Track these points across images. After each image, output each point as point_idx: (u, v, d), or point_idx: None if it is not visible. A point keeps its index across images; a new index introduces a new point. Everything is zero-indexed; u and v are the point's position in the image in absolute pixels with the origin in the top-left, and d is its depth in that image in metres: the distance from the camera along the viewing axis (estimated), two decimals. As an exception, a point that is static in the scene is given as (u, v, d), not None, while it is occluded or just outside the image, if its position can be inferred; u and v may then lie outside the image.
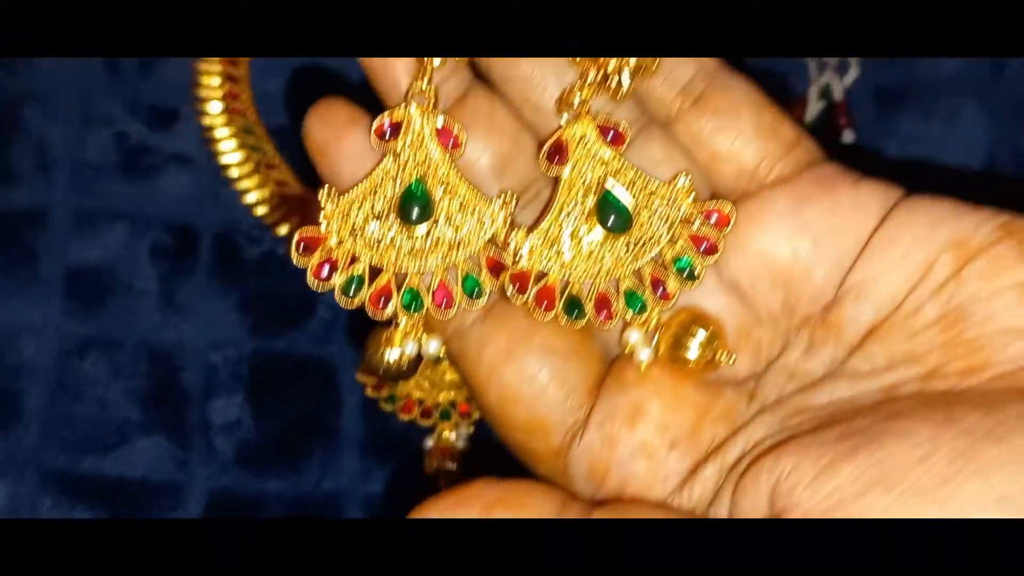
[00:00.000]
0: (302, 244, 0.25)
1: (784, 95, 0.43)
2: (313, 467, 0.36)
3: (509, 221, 0.25)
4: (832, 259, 0.25)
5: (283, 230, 0.38)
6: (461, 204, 0.25)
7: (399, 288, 0.25)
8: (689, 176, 0.25)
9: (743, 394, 0.25)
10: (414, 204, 0.25)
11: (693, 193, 0.25)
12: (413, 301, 0.25)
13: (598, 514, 0.24)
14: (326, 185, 0.25)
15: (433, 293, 0.25)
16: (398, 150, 0.25)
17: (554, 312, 0.25)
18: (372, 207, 0.25)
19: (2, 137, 0.39)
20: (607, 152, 0.25)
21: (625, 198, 0.25)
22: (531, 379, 0.25)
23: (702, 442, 0.25)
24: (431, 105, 0.25)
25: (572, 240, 0.25)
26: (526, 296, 0.25)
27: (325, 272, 0.25)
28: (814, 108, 0.43)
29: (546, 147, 0.25)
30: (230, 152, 0.39)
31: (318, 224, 0.25)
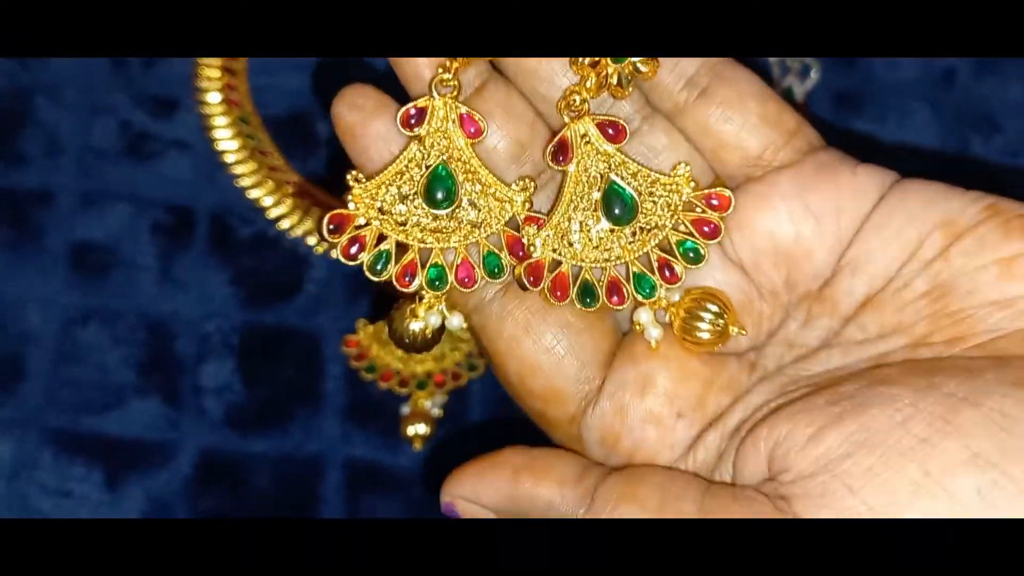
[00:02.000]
0: (331, 224, 0.26)
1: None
2: (297, 430, 0.36)
3: (528, 204, 0.26)
4: (832, 238, 0.26)
5: (273, 213, 0.40)
6: (482, 187, 0.26)
7: (423, 265, 0.26)
8: (687, 164, 0.26)
9: (745, 365, 0.26)
10: (439, 187, 0.25)
11: (692, 181, 0.26)
12: (438, 277, 0.26)
13: (613, 478, 0.25)
14: (353, 170, 0.26)
15: (456, 270, 0.26)
16: (423, 135, 0.25)
17: (568, 299, 0.25)
18: (399, 189, 0.26)
19: (14, 124, 0.40)
20: (608, 147, 0.26)
21: (628, 189, 0.26)
22: (548, 351, 0.26)
23: (707, 411, 0.26)
24: (454, 94, 0.25)
25: (581, 231, 0.26)
26: (541, 286, 0.25)
27: (354, 250, 0.26)
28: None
29: (551, 146, 0.26)
30: (226, 139, 0.40)
31: (344, 205, 0.26)
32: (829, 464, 0.22)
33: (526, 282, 0.26)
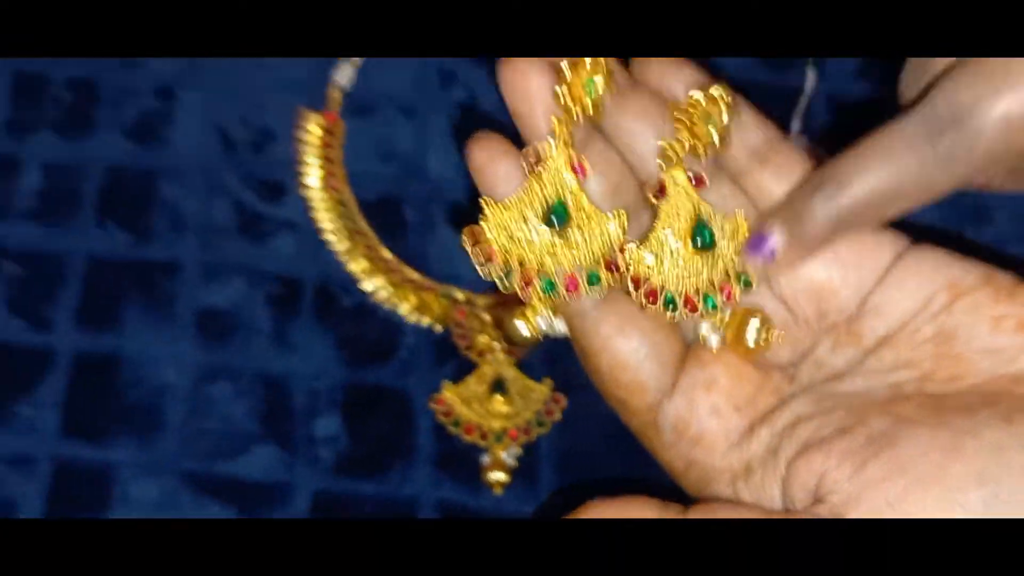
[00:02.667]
0: (470, 238, 0.33)
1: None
2: (395, 475, 0.42)
3: (622, 230, 0.33)
4: (855, 283, 0.32)
5: (368, 286, 0.46)
6: (587, 217, 0.33)
7: (538, 276, 0.33)
8: (744, 212, 0.34)
9: (785, 377, 0.33)
10: (557, 216, 0.33)
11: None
12: (550, 287, 0.33)
13: (692, 510, 0.32)
14: (486, 197, 0.33)
15: (566, 282, 0.33)
16: (541, 174, 0.33)
17: (657, 305, 0.33)
18: (522, 215, 0.33)
19: (143, 203, 0.46)
20: (692, 192, 0.34)
21: (709, 226, 0.34)
22: (636, 351, 0.33)
23: (758, 408, 0.32)
24: (568, 143, 0.33)
25: (671, 256, 0.33)
26: (639, 293, 0.33)
27: (483, 260, 0.33)
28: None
29: (653, 185, 0.34)
30: (327, 221, 0.46)
31: (480, 228, 0.33)
32: (871, 485, 0.29)
33: (630, 287, 0.33)
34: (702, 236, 0.33)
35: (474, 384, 0.43)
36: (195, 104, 0.48)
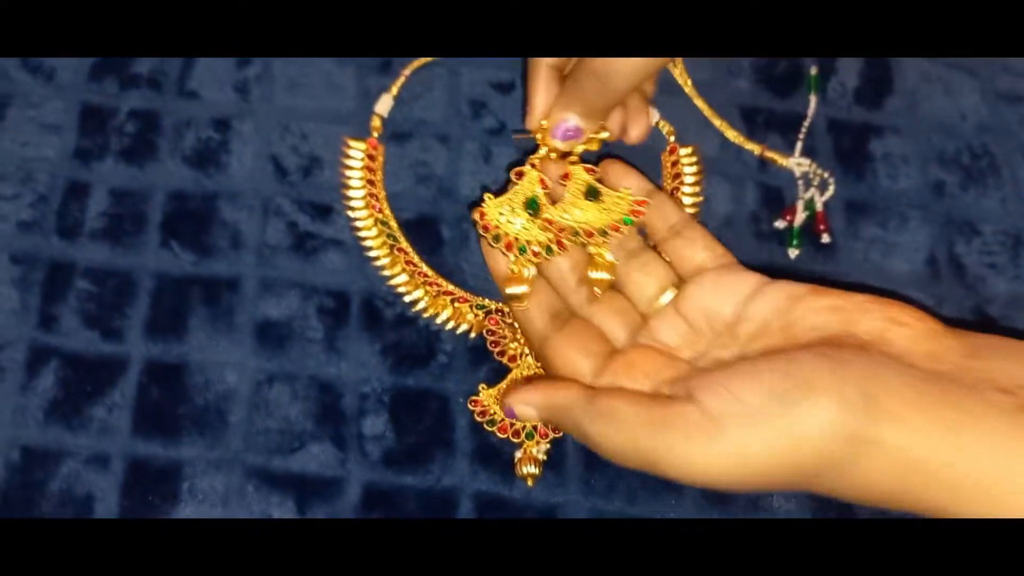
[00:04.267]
0: (479, 214, 0.45)
1: (779, 206, 0.52)
2: (436, 468, 0.45)
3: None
4: (732, 304, 0.43)
5: (409, 298, 0.50)
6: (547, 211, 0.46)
7: (515, 242, 0.45)
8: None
9: (687, 365, 0.42)
10: (531, 207, 0.45)
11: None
12: (523, 251, 0.45)
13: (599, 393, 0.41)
14: (487, 195, 0.45)
15: (531, 249, 0.45)
16: (523, 183, 0.47)
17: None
18: (510, 205, 0.45)
19: (204, 224, 0.50)
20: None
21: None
22: (579, 360, 0.43)
23: (662, 376, 0.42)
24: (539, 169, 0.47)
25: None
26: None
27: (484, 230, 0.45)
28: (801, 216, 0.51)
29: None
30: (371, 238, 0.50)
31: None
32: (716, 379, 0.38)
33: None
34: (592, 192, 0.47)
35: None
36: (249, 134, 0.52)
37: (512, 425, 0.47)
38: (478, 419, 0.46)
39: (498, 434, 0.46)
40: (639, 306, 0.46)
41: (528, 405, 0.42)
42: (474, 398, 0.47)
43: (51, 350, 0.48)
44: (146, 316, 0.48)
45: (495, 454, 0.47)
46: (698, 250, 0.45)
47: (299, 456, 0.46)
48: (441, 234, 0.50)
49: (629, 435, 0.38)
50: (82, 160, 0.52)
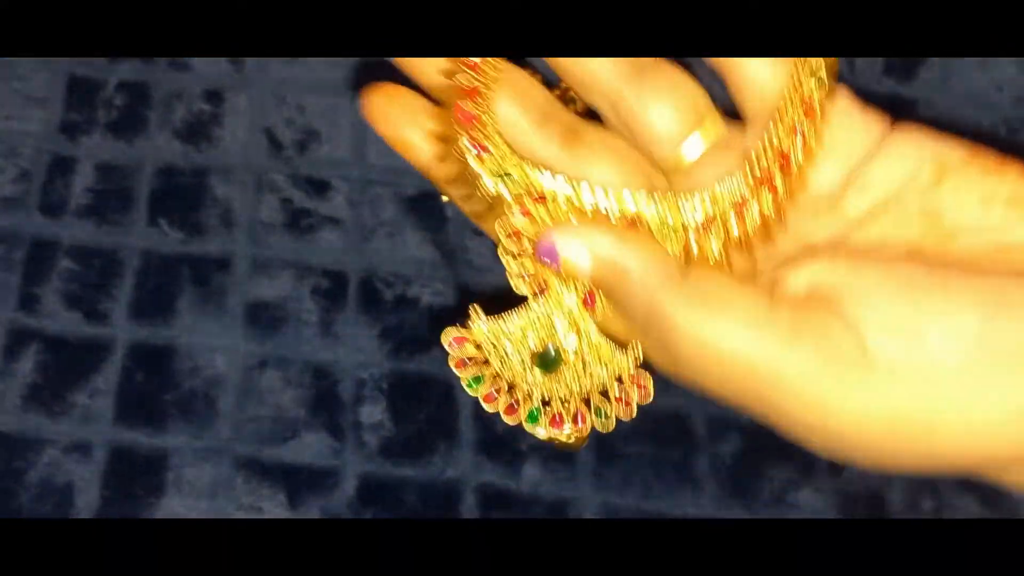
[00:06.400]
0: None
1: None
2: (438, 460, 0.43)
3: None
4: (837, 161, 0.30)
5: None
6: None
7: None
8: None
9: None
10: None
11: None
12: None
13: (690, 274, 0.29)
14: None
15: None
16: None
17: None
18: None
19: (194, 201, 0.47)
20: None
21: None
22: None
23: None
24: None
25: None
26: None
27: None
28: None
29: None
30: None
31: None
32: (863, 282, 0.27)
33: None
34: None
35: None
36: (242, 106, 0.50)
37: (515, 402, 0.37)
38: (457, 370, 0.36)
39: (484, 404, 0.35)
40: (658, 150, 0.32)
41: (587, 246, 0.29)
42: (458, 333, 0.35)
43: (32, 332, 0.45)
44: (132, 297, 0.46)
45: (501, 445, 0.44)
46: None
47: (292, 446, 0.44)
48: (444, 211, 0.48)
49: (743, 336, 0.26)
50: (68, 134, 0.49)
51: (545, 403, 0.34)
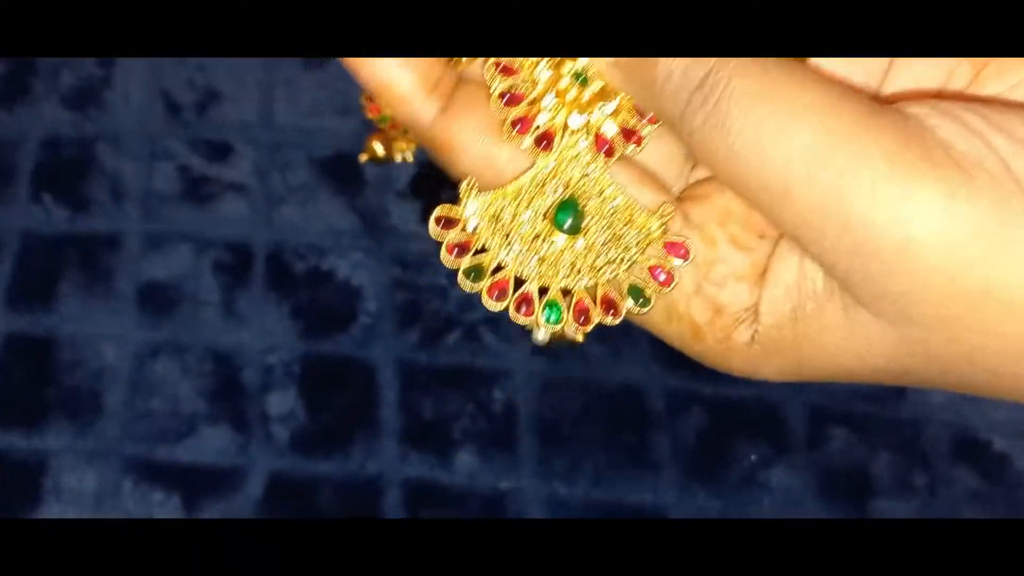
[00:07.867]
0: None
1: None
2: (357, 452, 0.39)
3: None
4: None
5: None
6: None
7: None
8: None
9: None
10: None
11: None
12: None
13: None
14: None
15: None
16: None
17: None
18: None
19: (80, 172, 0.42)
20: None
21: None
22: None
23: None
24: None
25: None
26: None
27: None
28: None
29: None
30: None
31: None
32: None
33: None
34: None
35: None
36: (137, 68, 0.45)
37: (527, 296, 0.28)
38: (448, 260, 0.27)
39: (486, 301, 0.24)
40: None
41: None
42: (448, 212, 0.26)
43: None
44: (9, 282, 0.42)
45: (429, 432, 0.39)
46: None
47: (189, 443, 0.39)
48: (363, 173, 0.43)
49: (811, 158, 0.20)
50: (-54, 109, 0.44)
51: (565, 292, 0.25)
